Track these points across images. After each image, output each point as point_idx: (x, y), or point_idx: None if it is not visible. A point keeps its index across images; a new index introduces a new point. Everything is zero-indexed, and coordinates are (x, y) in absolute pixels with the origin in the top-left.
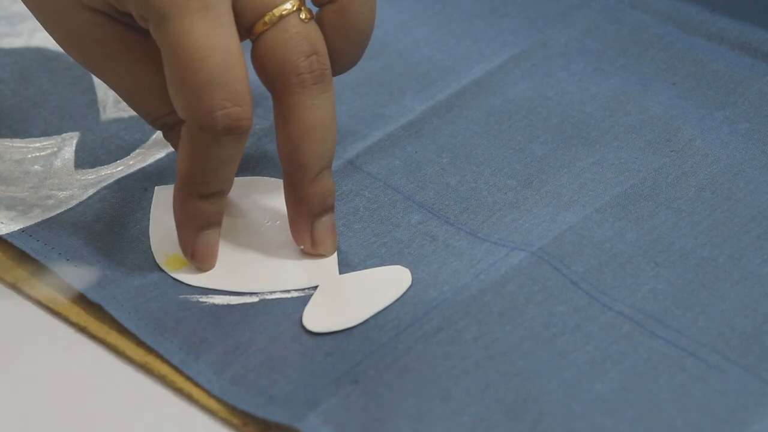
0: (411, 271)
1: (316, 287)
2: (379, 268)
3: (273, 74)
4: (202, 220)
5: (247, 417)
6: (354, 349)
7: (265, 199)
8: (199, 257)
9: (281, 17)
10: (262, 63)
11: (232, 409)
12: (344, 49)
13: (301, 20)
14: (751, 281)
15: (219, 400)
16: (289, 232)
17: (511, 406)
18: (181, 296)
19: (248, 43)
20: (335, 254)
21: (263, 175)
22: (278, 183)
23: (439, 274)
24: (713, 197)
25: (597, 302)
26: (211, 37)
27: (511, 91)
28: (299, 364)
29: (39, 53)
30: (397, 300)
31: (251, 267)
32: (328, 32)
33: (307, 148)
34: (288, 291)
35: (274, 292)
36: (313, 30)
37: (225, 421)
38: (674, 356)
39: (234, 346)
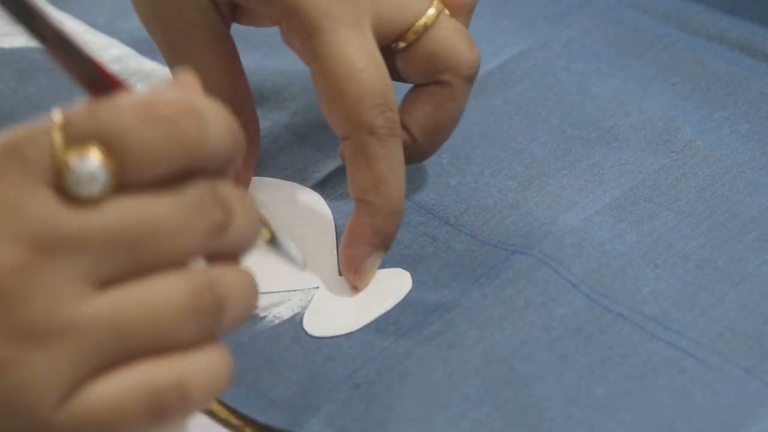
0: (411, 274)
1: (316, 288)
2: (380, 270)
3: (441, 67)
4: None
5: (246, 418)
6: (355, 354)
7: (265, 199)
8: (365, 277)
9: (437, 17)
10: (428, 59)
11: (232, 409)
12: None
13: (448, 17)
14: (751, 282)
15: (219, 400)
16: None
17: (511, 413)
18: None
19: None
20: (335, 255)
21: (263, 176)
22: (278, 183)
23: (440, 277)
24: (713, 198)
25: (597, 305)
26: (367, 49)
27: (511, 91)
28: (300, 368)
29: (39, 53)
30: (398, 303)
31: (251, 267)
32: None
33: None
34: (288, 291)
35: (275, 292)
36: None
37: (225, 422)
38: (674, 358)
39: (234, 348)
